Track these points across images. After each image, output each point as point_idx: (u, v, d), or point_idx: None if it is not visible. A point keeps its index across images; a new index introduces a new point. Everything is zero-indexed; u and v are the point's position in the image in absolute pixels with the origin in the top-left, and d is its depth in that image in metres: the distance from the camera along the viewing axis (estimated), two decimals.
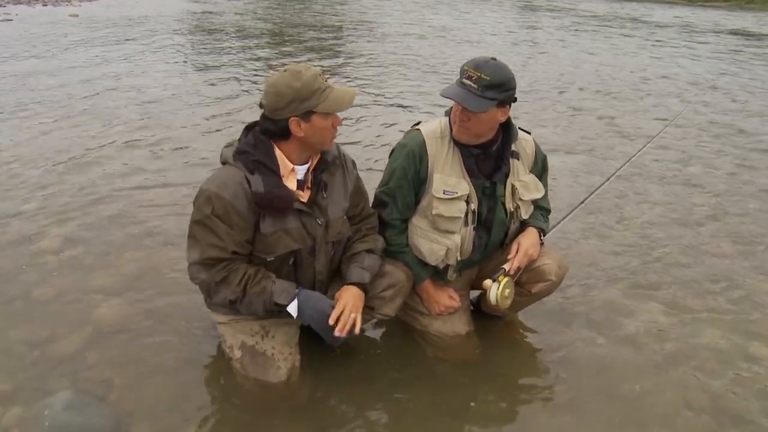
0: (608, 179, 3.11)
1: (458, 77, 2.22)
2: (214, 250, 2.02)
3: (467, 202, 2.32)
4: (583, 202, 2.97)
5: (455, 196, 2.30)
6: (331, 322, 2.06)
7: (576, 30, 15.17)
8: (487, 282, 2.34)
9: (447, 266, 2.44)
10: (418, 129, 2.38)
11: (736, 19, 20.00)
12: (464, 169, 2.32)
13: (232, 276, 2.04)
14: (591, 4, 23.36)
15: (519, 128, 2.43)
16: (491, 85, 2.13)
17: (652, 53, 11.80)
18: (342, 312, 2.08)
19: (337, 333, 2.06)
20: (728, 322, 2.95)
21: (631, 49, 12.27)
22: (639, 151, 3.47)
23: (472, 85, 2.14)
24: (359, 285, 2.19)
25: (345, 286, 2.18)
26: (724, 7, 25.18)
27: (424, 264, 2.43)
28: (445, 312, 2.56)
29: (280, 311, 2.11)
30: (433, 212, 2.32)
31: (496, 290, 2.31)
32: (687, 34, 15.54)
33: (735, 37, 15.51)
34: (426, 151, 2.31)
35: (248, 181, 2.00)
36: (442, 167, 2.31)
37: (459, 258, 2.41)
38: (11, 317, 2.66)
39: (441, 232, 2.35)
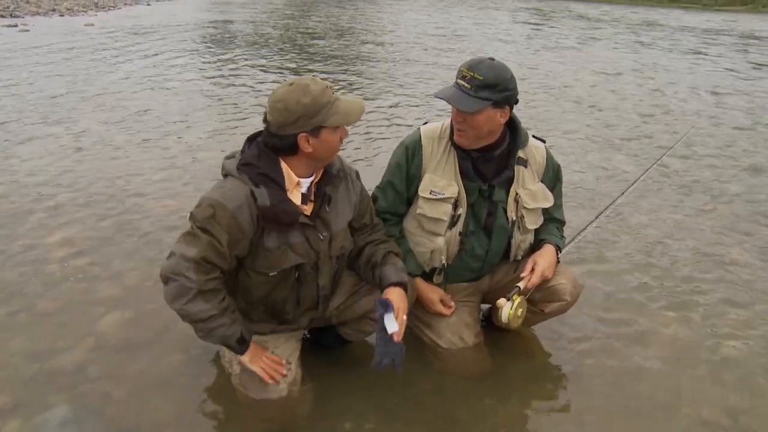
0: (627, 190, 3.04)
1: (455, 78, 2.17)
2: (215, 255, 1.89)
3: (455, 206, 2.27)
4: (601, 213, 2.91)
5: (441, 197, 2.27)
6: (399, 338, 2.01)
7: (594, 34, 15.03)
8: (501, 301, 2.30)
9: (434, 269, 2.40)
10: (419, 128, 2.37)
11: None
12: (458, 172, 2.28)
13: (221, 293, 1.96)
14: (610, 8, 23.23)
15: (533, 136, 2.37)
16: (484, 85, 2.07)
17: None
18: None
19: (397, 338, 2.00)
20: (749, 336, 2.85)
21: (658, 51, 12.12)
22: (656, 161, 3.40)
23: (466, 85, 2.10)
24: (400, 285, 2.12)
25: (389, 288, 2.10)
26: (742, 11, 24.94)
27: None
28: (437, 313, 2.49)
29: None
30: (418, 211, 2.31)
31: (509, 309, 2.28)
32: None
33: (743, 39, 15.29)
34: (420, 148, 2.29)
35: (253, 195, 1.92)
36: (435, 168, 2.29)
37: (444, 262, 2.37)
38: (14, 328, 2.63)
39: (426, 233, 2.34)
